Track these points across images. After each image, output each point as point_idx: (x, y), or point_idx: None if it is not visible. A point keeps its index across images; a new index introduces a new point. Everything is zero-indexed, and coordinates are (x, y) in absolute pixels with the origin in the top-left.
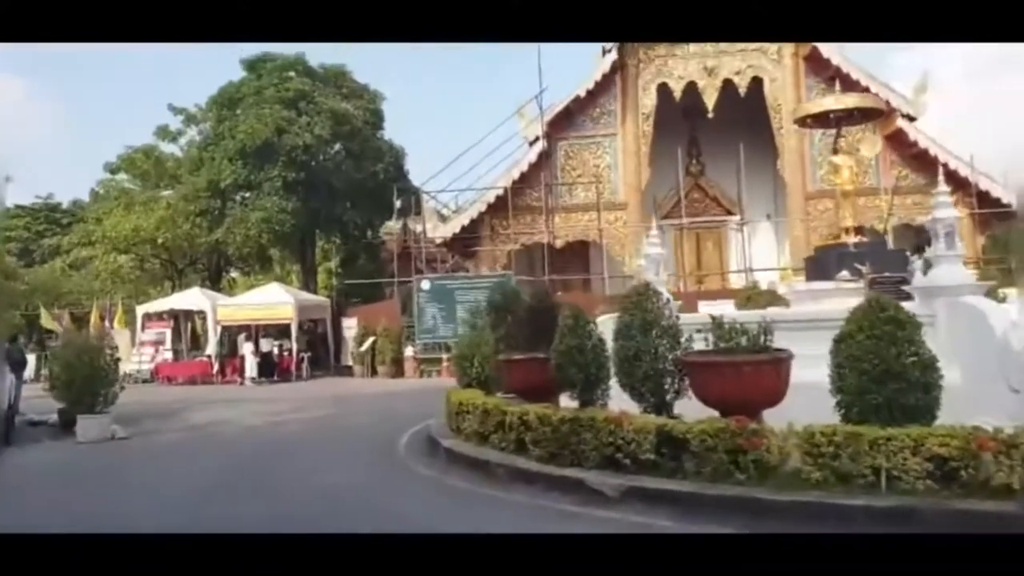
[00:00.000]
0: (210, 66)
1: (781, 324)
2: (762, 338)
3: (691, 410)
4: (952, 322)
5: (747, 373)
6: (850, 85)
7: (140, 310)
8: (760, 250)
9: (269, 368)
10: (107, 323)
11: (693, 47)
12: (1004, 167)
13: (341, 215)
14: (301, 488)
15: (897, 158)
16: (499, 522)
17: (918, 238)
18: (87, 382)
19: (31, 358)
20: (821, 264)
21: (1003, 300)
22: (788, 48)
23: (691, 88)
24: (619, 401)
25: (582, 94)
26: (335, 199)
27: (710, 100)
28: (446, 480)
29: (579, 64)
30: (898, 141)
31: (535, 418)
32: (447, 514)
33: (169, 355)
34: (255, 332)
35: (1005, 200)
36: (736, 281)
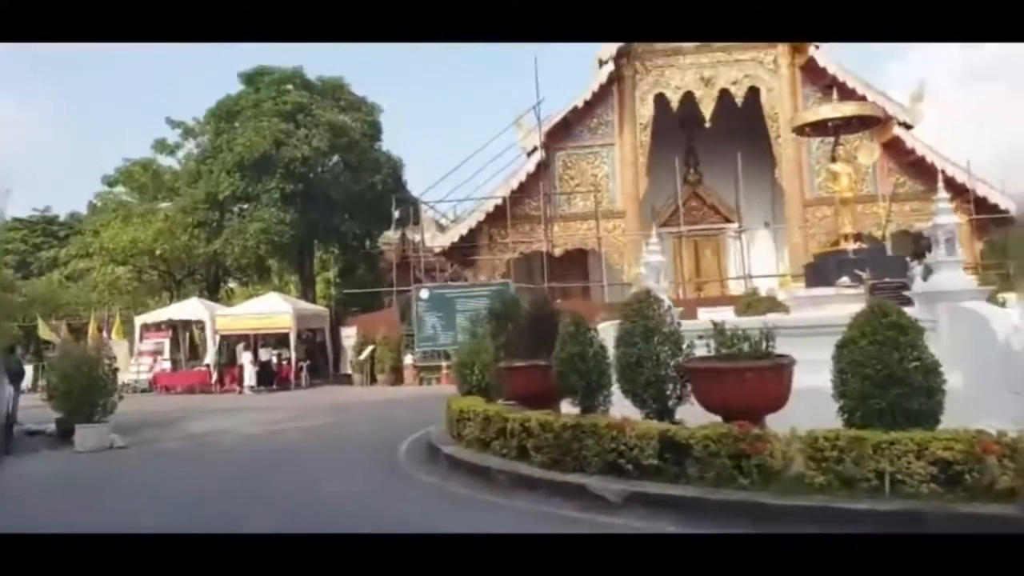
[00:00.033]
0: (210, 66)
1: (782, 330)
2: (764, 344)
3: (692, 416)
4: (954, 327)
5: (750, 379)
6: (847, 94)
7: (138, 321)
8: (758, 257)
9: (268, 377)
10: (105, 334)
11: (690, 58)
12: (1001, 173)
13: (339, 226)
14: (301, 496)
15: (894, 165)
16: (501, 527)
17: (916, 244)
18: (85, 392)
19: (28, 369)
20: (821, 270)
21: (1003, 305)
22: (784, 58)
23: (688, 98)
24: (621, 407)
25: (580, 105)
26: (333, 210)
27: (707, 110)
28: (447, 487)
29: (577, 72)
30: (895, 149)
31: (537, 424)
32: (448, 520)
33: (167, 365)
34: (254, 341)
35: (1003, 206)
36: (735, 288)
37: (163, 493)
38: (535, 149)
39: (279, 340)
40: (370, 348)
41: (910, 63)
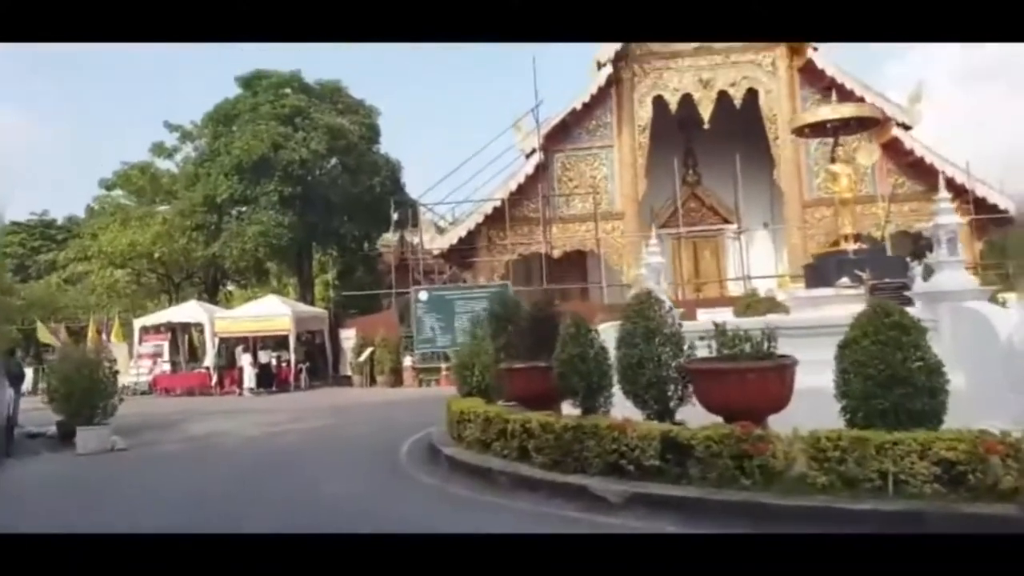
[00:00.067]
0: (210, 67)
1: (782, 330)
2: (766, 345)
3: (693, 417)
4: (956, 327)
5: (752, 380)
6: (845, 95)
7: (137, 323)
8: (757, 258)
9: (268, 379)
10: (104, 337)
11: (688, 60)
12: (1000, 173)
13: (338, 228)
14: (302, 497)
15: (893, 166)
16: (502, 528)
17: (915, 245)
18: (86, 395)
19: (28, 372)
20: (821, 271)
21: (1003, 305)
22: (783, 60)
23: (687, 100)
24: (622, 408)
25: (578, 107)
26: (332, 213)
27: (706, 112)
28: (448, 488)
29: (575, 74)
30: (894, 149)
31: (538, 425)
32: (449, 520)
33: (167, 367)
34: (253, 344)
35: (1002, 206)
36: (734, 289)
37: (164, 495)
38: (533, 151)
39: (278, 342)
40: (369, 350)
41: (910, 63)
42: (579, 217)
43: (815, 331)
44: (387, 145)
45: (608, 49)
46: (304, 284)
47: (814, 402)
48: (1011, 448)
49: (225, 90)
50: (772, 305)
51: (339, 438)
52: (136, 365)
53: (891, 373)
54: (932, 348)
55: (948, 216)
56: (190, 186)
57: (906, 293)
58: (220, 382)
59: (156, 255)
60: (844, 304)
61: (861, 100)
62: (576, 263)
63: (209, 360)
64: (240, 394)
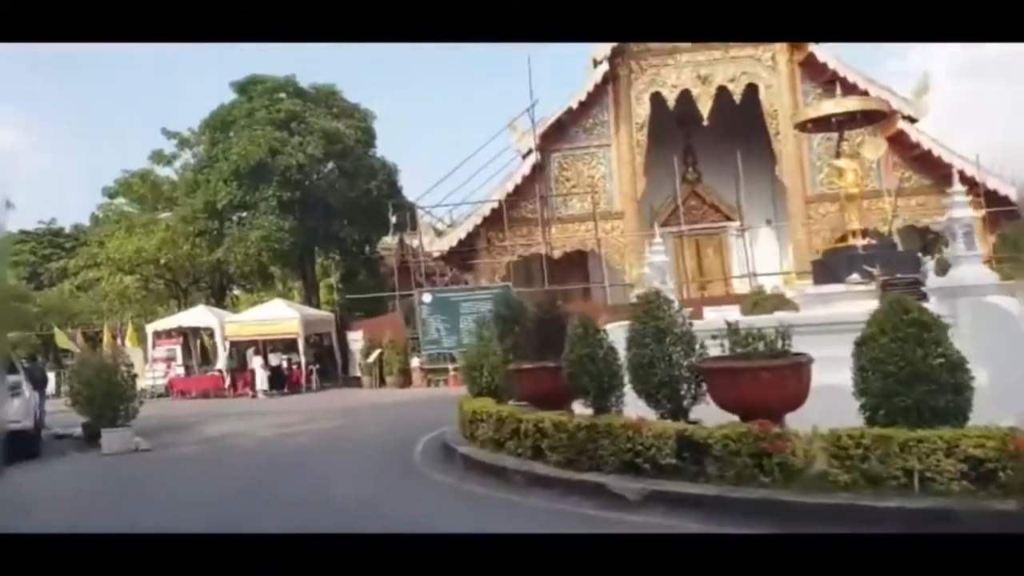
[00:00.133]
0: (210, 68)
1: (794, 327)
2: (780, 343)
3: (705, 415)
4: (977, 323)
5: (766, 378)
6: (848, 89)
7: (149, 328)
8: (762, 255)
9: (279, 381)
10: (119, 342)
11: (686, 56)
12: (1010, 166)
13: (338, 232)
14: (317, 497)
15: (899, 160)
16: (518, 526)
17: (923, 239)
18: (107, 398)
19: (50, 376)
20: (830, 267)
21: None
22: (783, 54)
23: (685, 96)
24: (634, 408)
25: (574, 106)
26: (331, 217)
27: (705, 108)
28: (463, 486)
29: (572, 73)
30: (899, 143)
31: (551, 425)
32: (465, 517)
33: (181, 371)
34: (263, 347)
35: (1014, 198)
36: (739, 287)
37: (187, 495)
38: (530, 151)
39: (287, 345)
40: (378, 351)
41: (910, 61)
42: (578, 217)
43: (827, 328)
44: (384, 146)
45: (604, 46)
46: (308, 288)
47: (829, 399)
48: None
49: (225, 90)
50: (780, 302)
51: (351, 439)
52: (151, 369)
53: (912, 370)
54: (954, 344)
55: (963, 210)
56: (190, 193)
57: (920, 288)
58: (233, 384)
59: (162, 261)
60: (856, 300)
61: (865, 93)
62: (577, 263)
63: (221, 363)
64: (253, 396)
